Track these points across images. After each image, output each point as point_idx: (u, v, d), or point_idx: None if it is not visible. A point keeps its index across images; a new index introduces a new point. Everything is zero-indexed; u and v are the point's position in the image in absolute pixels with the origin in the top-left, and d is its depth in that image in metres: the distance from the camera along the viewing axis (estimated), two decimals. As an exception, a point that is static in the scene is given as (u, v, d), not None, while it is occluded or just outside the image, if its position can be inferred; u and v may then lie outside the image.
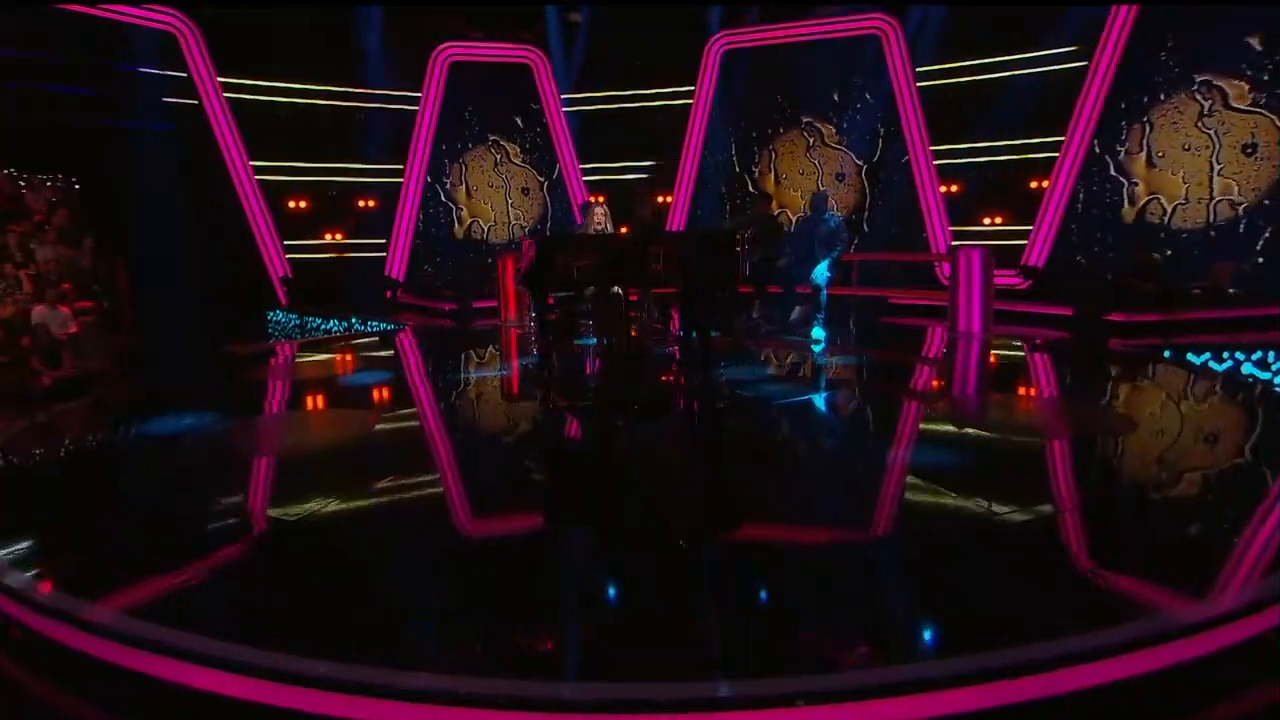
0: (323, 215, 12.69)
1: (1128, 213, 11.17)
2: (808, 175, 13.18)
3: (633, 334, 7.79)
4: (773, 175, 13.40)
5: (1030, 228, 11.41)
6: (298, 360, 8.16)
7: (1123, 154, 11.15)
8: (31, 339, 9.10)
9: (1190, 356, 7.67)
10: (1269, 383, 6.75)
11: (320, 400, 6.15)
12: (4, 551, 2.92)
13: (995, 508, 3.33)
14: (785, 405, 5.50)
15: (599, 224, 7.03)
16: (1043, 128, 11.44)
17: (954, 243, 11.63)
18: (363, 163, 12.92)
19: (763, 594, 2.64)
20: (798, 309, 8.85)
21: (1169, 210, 10.91)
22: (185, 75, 11.32)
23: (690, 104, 13.32)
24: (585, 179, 13.86)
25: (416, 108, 13.02)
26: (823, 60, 12.57)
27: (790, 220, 12.88)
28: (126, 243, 10.65)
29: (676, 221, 13.49)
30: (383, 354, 8.51)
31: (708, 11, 12.95)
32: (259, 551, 3.13)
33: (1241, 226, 10.34)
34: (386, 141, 12.89)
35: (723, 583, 2.77)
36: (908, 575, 2.83)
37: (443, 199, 13.76)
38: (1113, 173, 11.26)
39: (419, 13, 12.19)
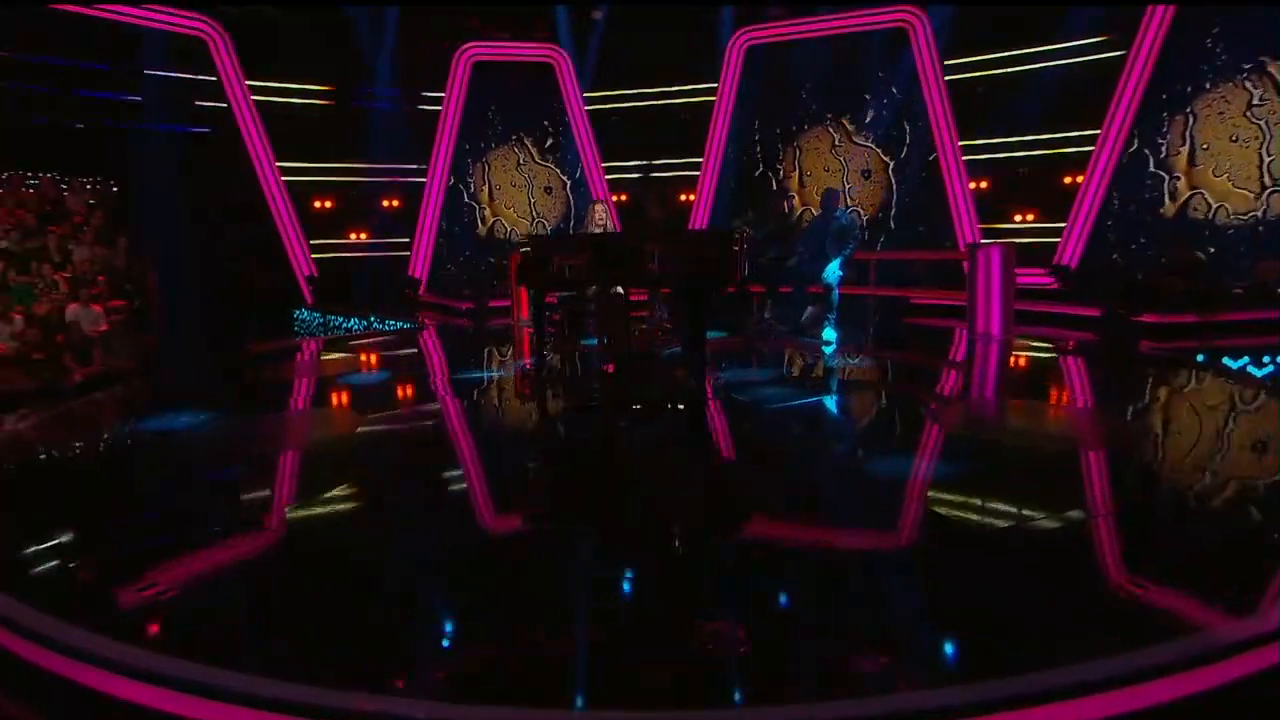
0: (346, 215, 12.90)
1: (1169, 209, 10.65)
2: (833, 172, 12.90)
3: (638, 334, 7.75)
4: (797, 172, 13.16)
5: (1064, 225, 10.97)
6: (300, 360, 8.26)
7: (1164, 147, 10.64)
8: (65, 336, 9.44)
9: (1227, 360, 7.26)
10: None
11: (310, 401, 6.20)
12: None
13: (990, 517, 3.16)
14: (778, 409, 5.35)
15: (600, 222, 6.98)
16: (1077, 121, 10.99)
17: (980, 240, 11.24)
18: (386, 163, 13.09)
19: (756, 611, 2.48)
20: (809, 309, 8.65)
21: (1213, 206, 10.37)
22: (215, 79, 11.62)
23: (710, 100, 13.16)
24: (608, 177, 13.82)
25: (439, 107, 13.15)
26: (848, 54, 12.29)
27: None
28: (157, 242, 10.98)
29: (699, 219, 13.35)
30: (389, 354, 8.58)
31: (720, 9, 12.76)
32: (230, 565, 3.00)
33: (1291, 222, 9.78)
34: (409, 142, 13.04)
35: (710, 596, 2.64)
36: (894, 592, 2.68)
37: (466, 198, 13.87)
38: (1152, 167, 10.74)
39: (433, 13, 12.28)
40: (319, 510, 3.51)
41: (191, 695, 1.96)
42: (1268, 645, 2.07)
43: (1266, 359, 7.25)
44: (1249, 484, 3.75)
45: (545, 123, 13.78)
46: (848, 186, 12.81)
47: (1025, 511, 3.29)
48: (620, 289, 7.06)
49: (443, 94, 13.12)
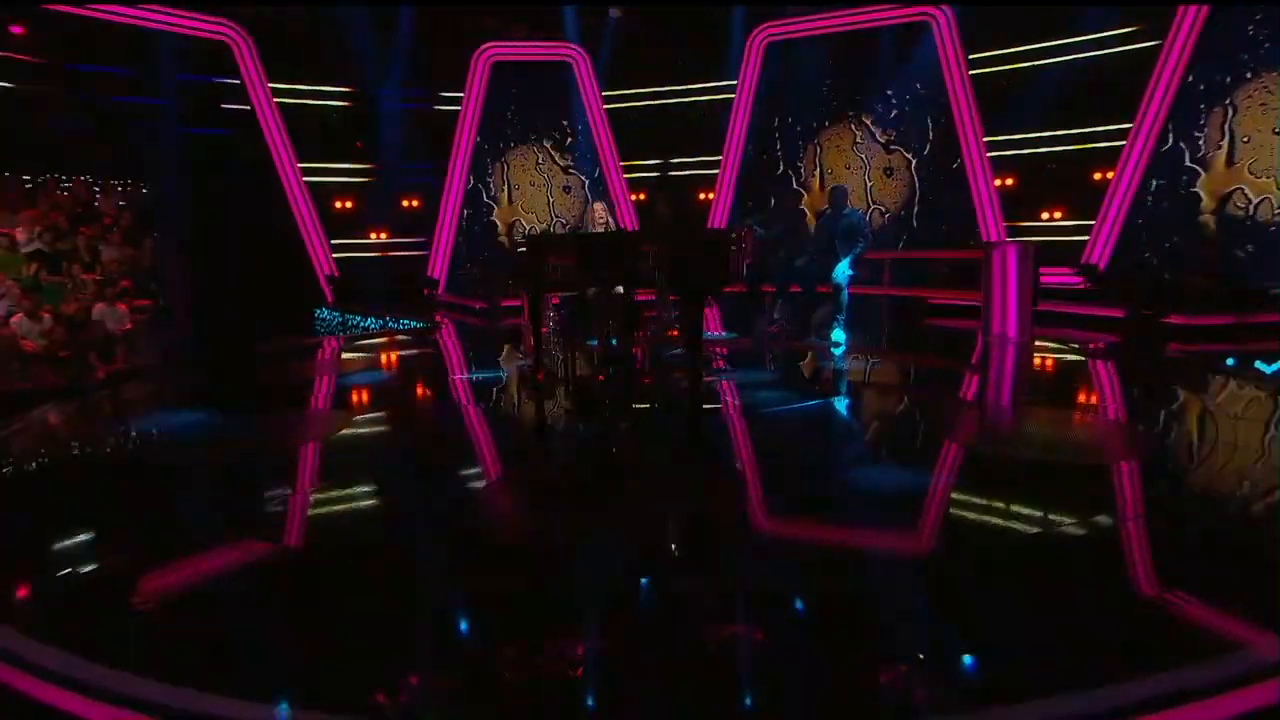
0: (366, 215, 13.05)
1: (1206, 205, 10.18)
2: (854, 170, 12.65)
3: (645, 335, 7.67)
4: (818, 170, 12.93)
5: (1093, 223, 10.56)
6: (305, 361, 8.32)
7: (1201, 141, 10.18)
8: (90, 334, 9.72)
9: (1259, 365, 6.89)
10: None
11: (300, 400, 6.23)
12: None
13: (984, 528, 3.01)
14: (769, 413, 5.22)
15: (600, 222, 6.90)
16: (1108, 114, 10.57)
17: (1005, 238, 10.89)
18: (405, 163, 13.22)
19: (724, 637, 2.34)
20: (820, 310, 8.46)
21: (1254, 202, 9.88)
22: (238, 82, 11.86)
23: (722, 98, 13.01)
24: (626, 176, 13.76)
25: (458, 108, 13.23)
26: (869, 49, 12.03)
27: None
28: (182, 243, 11.25)
29: (718, 217, 13.21)
30: (391, 355, 8.62)
31: (733, 6, 12.60)
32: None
33: (1339, 219, 9.27)
34: (429, 143, 13.15)
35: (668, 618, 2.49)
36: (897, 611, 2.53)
37: (485, 198, 13.94)
38: (1188, 162, 10.29)
39: (448, 13, 12.34)
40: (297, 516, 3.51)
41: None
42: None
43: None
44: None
45: (564, 122, 13.77)
46: (869, 184, 12.55)
47: (1016, 523, 3.13)
48: (620, 289, 7.00)
49: (461, 94, 13.20)
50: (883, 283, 9.77)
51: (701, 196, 13.52)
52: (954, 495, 3.58)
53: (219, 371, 8.15)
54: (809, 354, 7.45)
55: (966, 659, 2.14)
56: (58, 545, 3.16)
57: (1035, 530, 3.12)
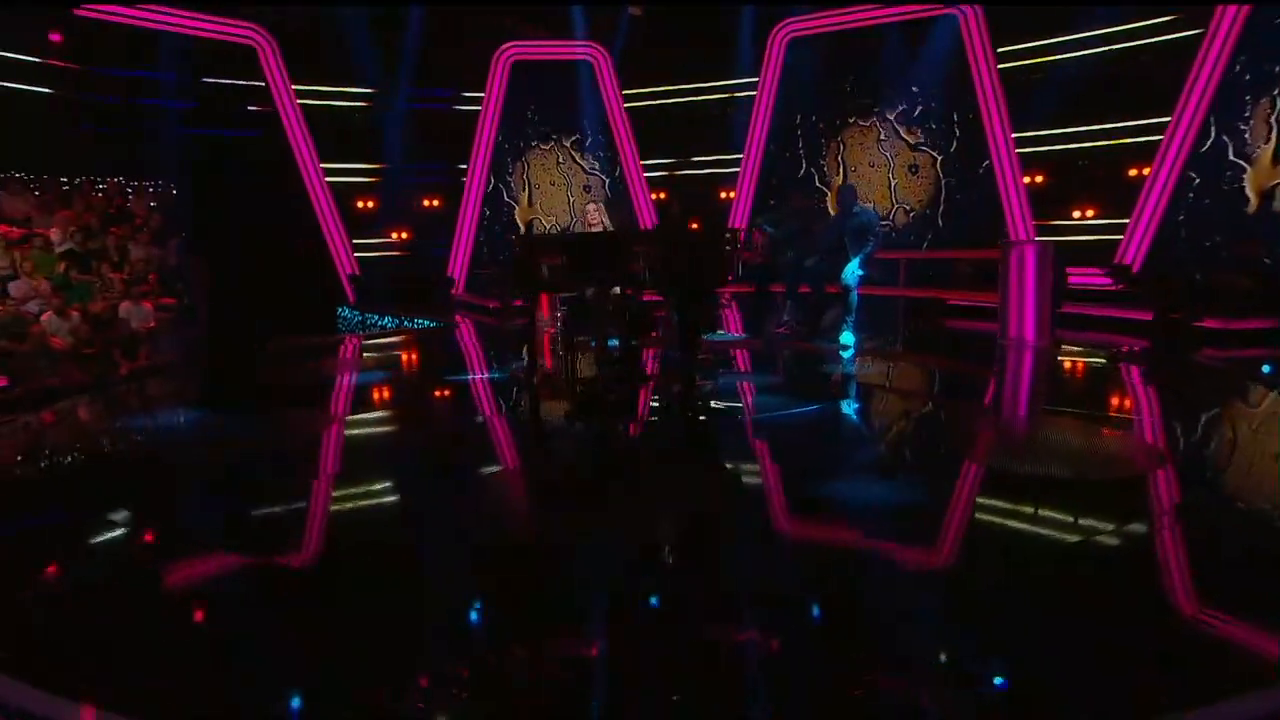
0: (387, 215, 13.17)
1: (1252, 204, 9.62)
2: (878, 168, 12.32)
3: (652, 336, 7.55)
4: (841, 168, 12.63)
5: (1127, 221, 10.08)
6: (306, 361, 8.36)
7: (1246, 134, 9.62)
8: (115, 332, 9.99)
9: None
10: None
11: (291, 400, 6.25)
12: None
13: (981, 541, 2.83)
14: (758, 419, 5.05)
15: (594, 224, 6.82)
16: (1144, 108, 10.07)
17: (1034, 238, 10.46)
18: (426, 163, 13.31)
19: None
20: (829, 311, 8.23)
21: (1305, 199, 9.31)
22: (262, 84, 12.08)
23: (735, 96, 12.81)
24: (647, 174, 13.64)
25: (479, 108, 13.27)
26: (894, 45, 11.69)
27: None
28: (207, 242, 11.50)
29: (739, 216, 13.00)
30: (393, 355, 8.65)
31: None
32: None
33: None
34: (450, 143, 13.22)
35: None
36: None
37: (506, 198, 13.96)
38: (1232, 156, 9.73)
39: (465, 13, 12.37)
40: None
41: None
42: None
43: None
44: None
45: (584, 121, 13.71)
46: (894, 182, 12.21)
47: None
48: (618, 290, 6.89)
49: (482, 94, 13.23)
50: (898, 283, 9.46)
51: (723, 195, 13.34)
52: (924, 504, 3.39)
53: (218, 372, 8.28)
54: (815, 357, 7.24)
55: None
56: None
57: (1012, 561, 2.92)
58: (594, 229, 6.89)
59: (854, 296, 7.80)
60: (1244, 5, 9.35)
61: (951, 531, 3.10)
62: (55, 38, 11.49)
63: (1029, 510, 3.21)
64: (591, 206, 7.01)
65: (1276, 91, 9.39)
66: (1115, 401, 5.84)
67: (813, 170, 12.88)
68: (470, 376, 7.22)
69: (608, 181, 13.88)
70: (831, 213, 12.37)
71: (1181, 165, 9.80)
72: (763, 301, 8.81)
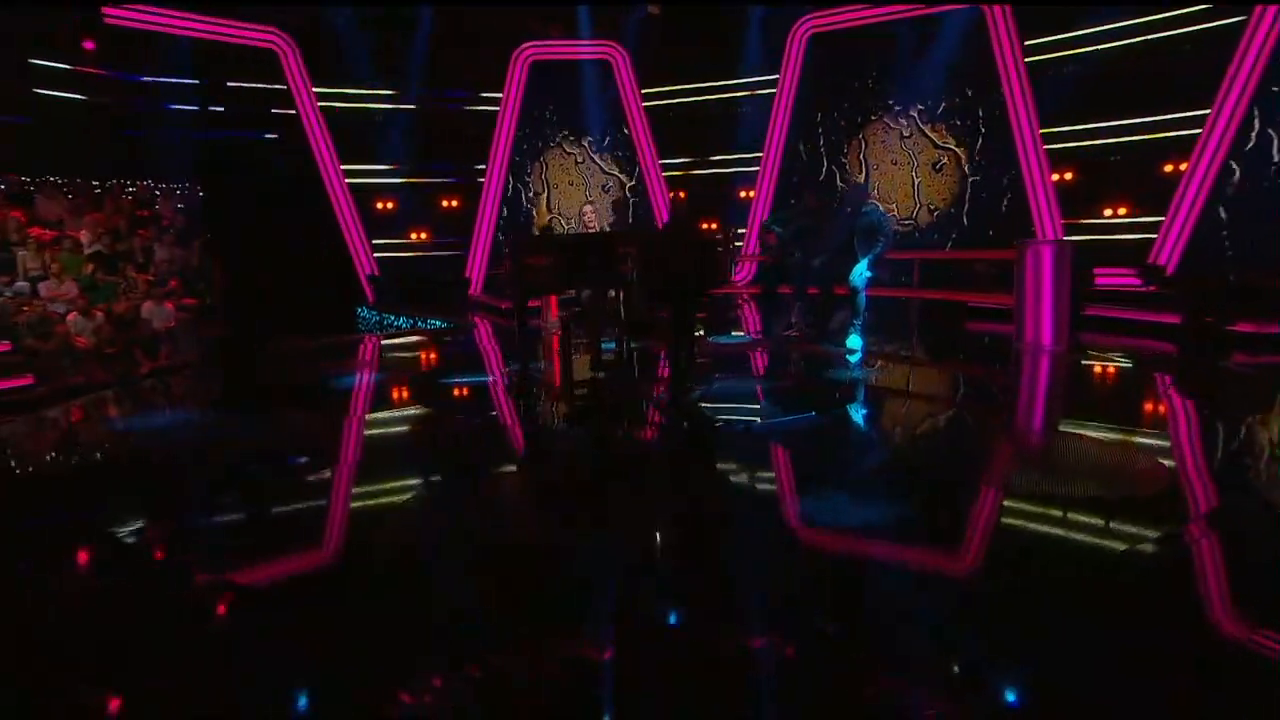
0: (406, 216, 13.26)
1: (1298, 200, 9.09)
2: (901, 165, 11.98)
3: (658, 337, 7.42)
4: (863, 166, 12.32)
5: (1162, 219, 9.60)
6: (309, 361, 8.41)
7: (1293, 128, 9.09)
8: (137, 331, 10.23)
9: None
10: None
11: (287, 400, 6.28)
12: None
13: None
14: (751, 429, 4.89)
15: (590, 225, 6.74)
16: (1180, 101, 9.58)
17: (1063, 237, 10.04)
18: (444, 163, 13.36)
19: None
20: (839, 313, 7.99)
21: (1354, 196, 8.76)
22: (283, 88, 12.26)
23: (753, 94, 12.58)
24: (666, 174, 13.50)
25: (497, 108, 13.28)
26: (918, 41, 11.35)
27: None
28: (228, 243, 11.72)
29: (759, 215, 12.79)
30: (396, 355, 8.65)
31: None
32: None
33: None
34: (468, 143, 13.25)
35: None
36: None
37: (525, 201, 13.95)
38: (1277, 151, 9.20)
39: (478, 13, 12.37)
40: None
41: None
42: None
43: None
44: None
45: (602, 121, 13.62)
46: (917, 181, 11.87)
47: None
48: (614, 292, 6.79)
49: (500, 94, 13.24)
50: (913, 284, 9.15)
51: (742, 194, 13.13)
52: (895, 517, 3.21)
53: (230, 372, 8.39)
54: (819, 360, 7.02)
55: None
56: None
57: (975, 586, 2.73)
58: (591, 230, 6.81)
59: (862, 299, 7.56)
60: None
61: (920, 546, 2.92)
62: (89, 45, 11.82)
63: (1022, 526, 3.00)
64: (588, 208, 6.94)
65: (1325, 82, 8.86)
66: (1125, 413, 5.51)
67: (834, 168, 12.59)
68: (461, 379, 7.18)
69: (628, 182, 13.77)
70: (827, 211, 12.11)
71: (1221, 161, 9.30)
72: (770, 303, 8.61)
